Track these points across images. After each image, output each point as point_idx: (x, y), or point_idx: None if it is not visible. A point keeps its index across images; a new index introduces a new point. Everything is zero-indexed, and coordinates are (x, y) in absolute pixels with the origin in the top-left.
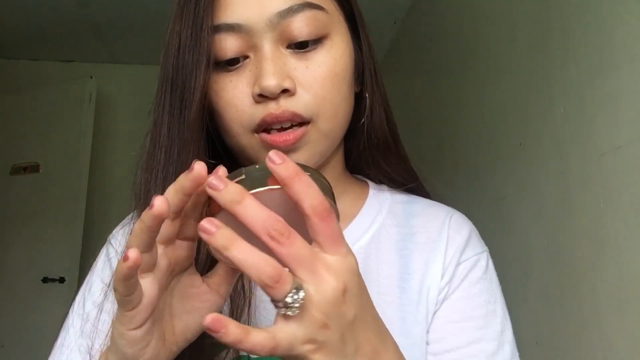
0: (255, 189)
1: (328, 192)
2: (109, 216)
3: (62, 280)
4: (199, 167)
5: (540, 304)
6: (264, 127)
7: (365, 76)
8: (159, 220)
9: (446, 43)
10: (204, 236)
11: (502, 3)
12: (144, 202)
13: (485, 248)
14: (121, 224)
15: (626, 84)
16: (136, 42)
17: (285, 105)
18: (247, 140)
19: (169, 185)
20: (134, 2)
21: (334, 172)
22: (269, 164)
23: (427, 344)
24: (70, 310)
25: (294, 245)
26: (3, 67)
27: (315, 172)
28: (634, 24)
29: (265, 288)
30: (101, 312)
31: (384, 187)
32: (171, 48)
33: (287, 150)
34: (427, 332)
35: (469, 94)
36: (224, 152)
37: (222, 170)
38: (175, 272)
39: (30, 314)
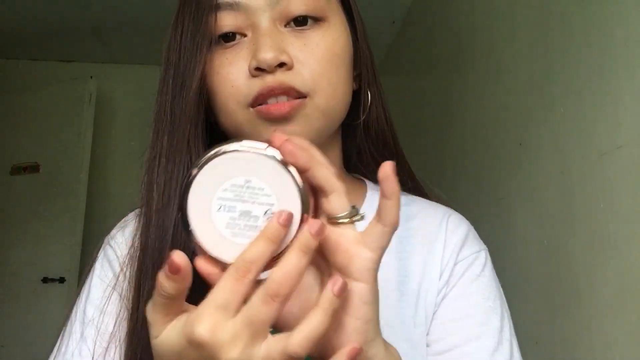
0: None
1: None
2: (109, 216)
3: (62, 280)
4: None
5: (540, 304)
6: (260, 101)
7: (362, 72)
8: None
9: (446, 43)
10: None
11: (502, 3)
12: (147, 190)
13: (484, 247)
14: (118, 225)
15: (626, 84)
16: (136, 42)
17: (282, 79)
18: (243, 116)
19: (171, 169)
20: (134, 2)
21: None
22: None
23: (427, 345)
24: (72, 315)
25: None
26: (3, 67)
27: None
28: (634, 24)
29: None
30: (103, 314)
31: None
32: (175, 34)
33: (282, 120)
34: (427, 334)
35: (469, 93)
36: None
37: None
38: None
39: (30, 314)
